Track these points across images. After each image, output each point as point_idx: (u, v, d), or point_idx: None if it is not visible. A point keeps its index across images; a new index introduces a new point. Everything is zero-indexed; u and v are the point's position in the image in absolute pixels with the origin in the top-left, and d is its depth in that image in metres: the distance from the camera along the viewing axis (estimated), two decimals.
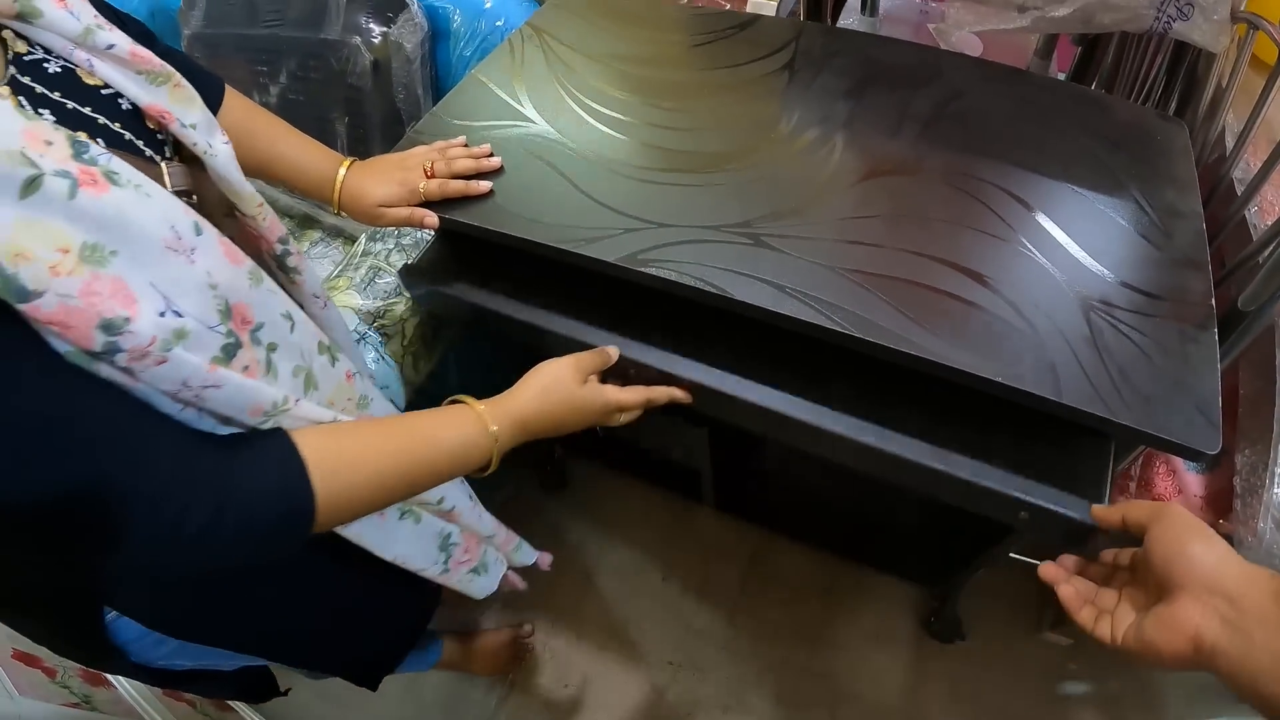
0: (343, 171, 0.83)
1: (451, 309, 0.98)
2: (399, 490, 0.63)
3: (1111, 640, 0.53)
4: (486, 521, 0.95)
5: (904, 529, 1.36)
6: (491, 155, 0.89)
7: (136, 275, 0.45)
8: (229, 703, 1.33)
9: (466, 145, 0.90)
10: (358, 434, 0.61)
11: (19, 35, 0.49)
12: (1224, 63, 0.92)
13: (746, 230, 0.82)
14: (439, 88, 1.24)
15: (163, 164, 0.57)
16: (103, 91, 0.53)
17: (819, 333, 0.75)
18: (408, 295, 1.11)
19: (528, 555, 1.09)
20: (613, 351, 0.83)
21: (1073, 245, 0.79)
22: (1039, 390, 0.69)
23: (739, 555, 1.49)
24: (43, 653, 1.07)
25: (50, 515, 0.44)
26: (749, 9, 1.14)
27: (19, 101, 0.47)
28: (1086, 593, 0.59)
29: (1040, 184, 0.85)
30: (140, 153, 0.55)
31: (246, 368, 0.53)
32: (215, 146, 0.60)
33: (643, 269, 0.79)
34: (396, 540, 0.82)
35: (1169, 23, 0.90)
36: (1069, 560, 0.65)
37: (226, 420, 0.53)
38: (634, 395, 0.80)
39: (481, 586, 1.01)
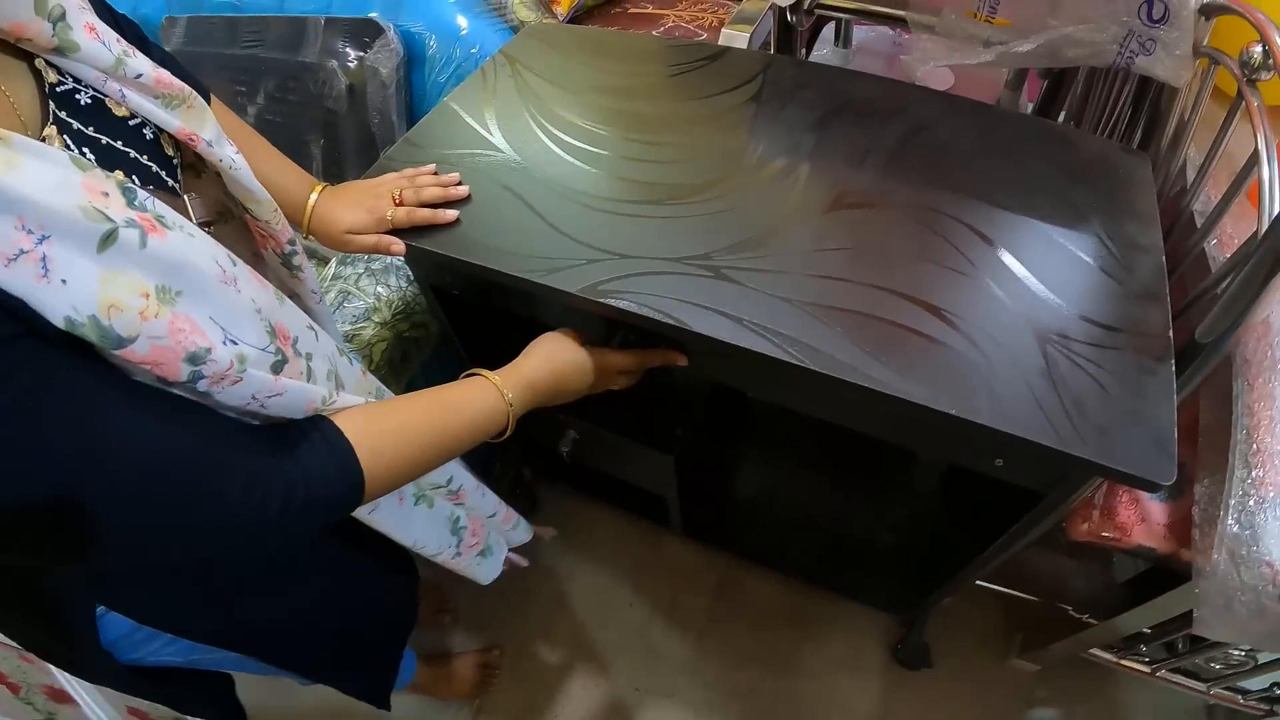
0: (314, 196, 0.82)
1: (455, 275, 0.95)
2: (432, 457, 0.65)
3: None
4: (489, 500, 0.97)
5: (870, 556, 1.32)
6: (460, 184, 0.87)
7: (198, 311, 0.46)
8: None
9: (436, 173, 0.88)
10: (391, 411, 0.63)
11: (49, 64, 0.48)
12: (1187, 97, 0.90)
13: (707, 263, 0.79)
14: (413, 112, 1.21)
15: (185, 197, 0.58)
16: (130, 123, 0.53)
17: (774, 365, 0.73)
18: (376, 321, 1.08)
19: (525, 532, 1.10)
20: None
21: (1031, 279, 0.77)
22: (991, 423, 0.67)
23: (707, 581, 1.45)
24: (9, 666, 1.03)
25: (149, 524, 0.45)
26: (721, 41, 1.12)
27: (65, 142, 0.47)
28: None
29: (1001, 218, 0.83)
30: (165, 185, 0.56)
31: (292, 377, 0.55)
32: (234, 159, 0.60)
33: (602, 299, 0.77)
34: (413, 525, 0.84)
35: (1132, 57, 0.88)
36: None
37: (277, 420, 0.55)
38: (632, 357, 0.83)
39: (487, 570, 1.02)
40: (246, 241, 0.70)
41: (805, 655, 1.35)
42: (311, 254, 1.21)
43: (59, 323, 0.38)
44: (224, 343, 0.47)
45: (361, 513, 0.76)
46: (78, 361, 0.40)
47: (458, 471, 0.88)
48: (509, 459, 1.44)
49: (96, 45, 0.49)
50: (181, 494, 0.45)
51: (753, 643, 1.38)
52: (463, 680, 1.34)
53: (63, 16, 0.47)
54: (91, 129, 0.50)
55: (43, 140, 0.45)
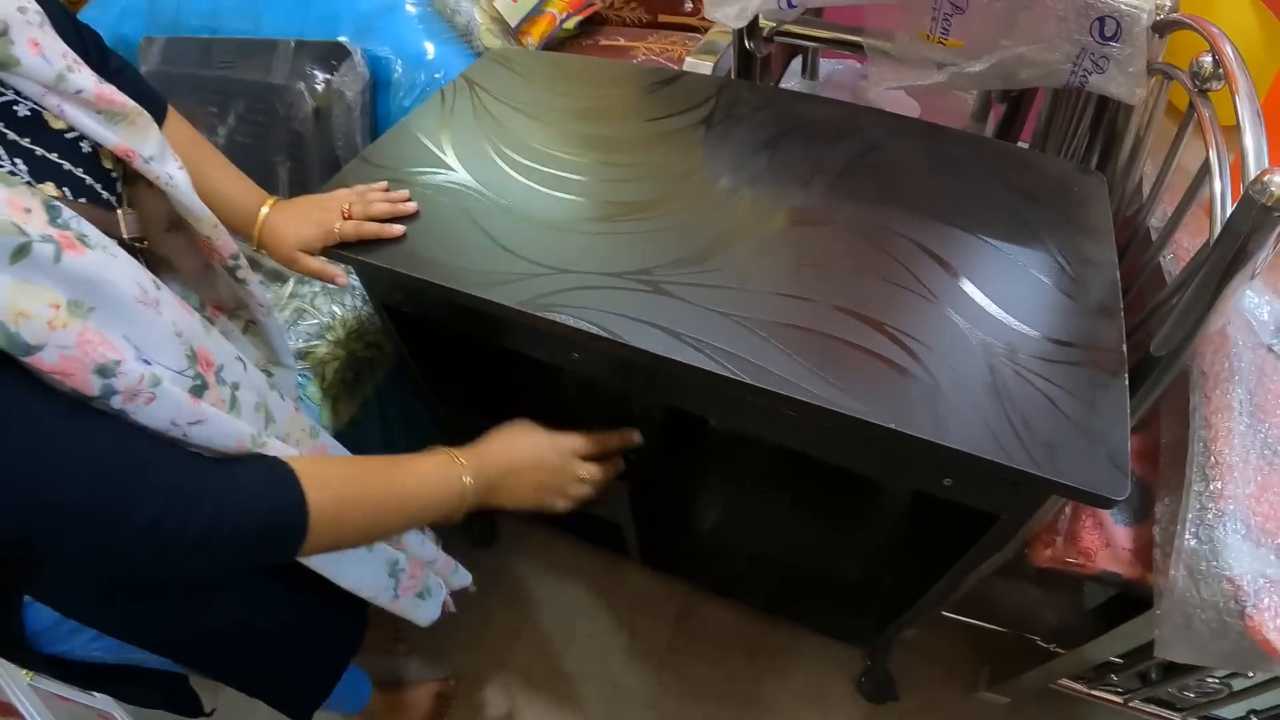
0: (265, 210, 0.80)
1: (405, 292, 0.90)
2: (385, 517, 0.63)
3: None
4: (428, 548, 0.91)
5: (830, 586, 1.25)
6: (409, 201, 0.84)
7: (111, 328, 0.45)
8: None
9: (388, 190, 0.85)
10: (341, 460, 0.63)
11: None
12: (1143, 114, 0.86)
13: (647, 278, 0.75)
14: (377, 135, 1.17)
15: (119, 212, 0.57)
16: (66, 135, 0.52)
17: (710, 380, 0.67)
18: (330, 339, 1.03)
19: (463, 577, 1.03)
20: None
21: (979, 294, 0.72)
22: (932, 438, 0.62)
23: (667, 611, 1.37)
24: None
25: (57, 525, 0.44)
26: (685, 68, 1.09)
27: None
28: None
29: (950, 234, 0.78)
30: (99, 198, 0.55)
31: (214, 406, 0.53)
32: (174, 175, 0.59)
33: (540, 313, 0.73)
34: (350, 567, 0.78)
35: (1085, 76, 0.85)
36: None
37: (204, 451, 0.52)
38: (591, 440, 0.80)
39: (426, 613, 0.95)
40: (197, 251, 0.68)
41: (767, 687, 1.27)
42: (276, 276, 1.17)
43: None
44: (136, 360, 0.46)
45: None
46: None
47: None
48: None
49: (38, 60, 0.48)
50: (88, 504, 0.44)
51: (713, 674, 1.29)
52: (417, 710, 1.25)
53: (4, 32, 0.46)
54: (27, 140, 0.49)
55: None
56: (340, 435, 1.00)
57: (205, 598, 0.73)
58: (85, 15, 1.26)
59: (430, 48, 1.13)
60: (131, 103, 0.55)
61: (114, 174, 0.57)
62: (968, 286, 0.73)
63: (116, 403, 0.45)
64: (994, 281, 0.73)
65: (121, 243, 0.51)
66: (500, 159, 0.91)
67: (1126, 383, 0.66)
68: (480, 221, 0.83)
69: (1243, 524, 0.63)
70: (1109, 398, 0.65)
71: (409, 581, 0.88)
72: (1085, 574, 0.93)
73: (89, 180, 0.54)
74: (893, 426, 0.62)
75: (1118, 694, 1.13)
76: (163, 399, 0.47)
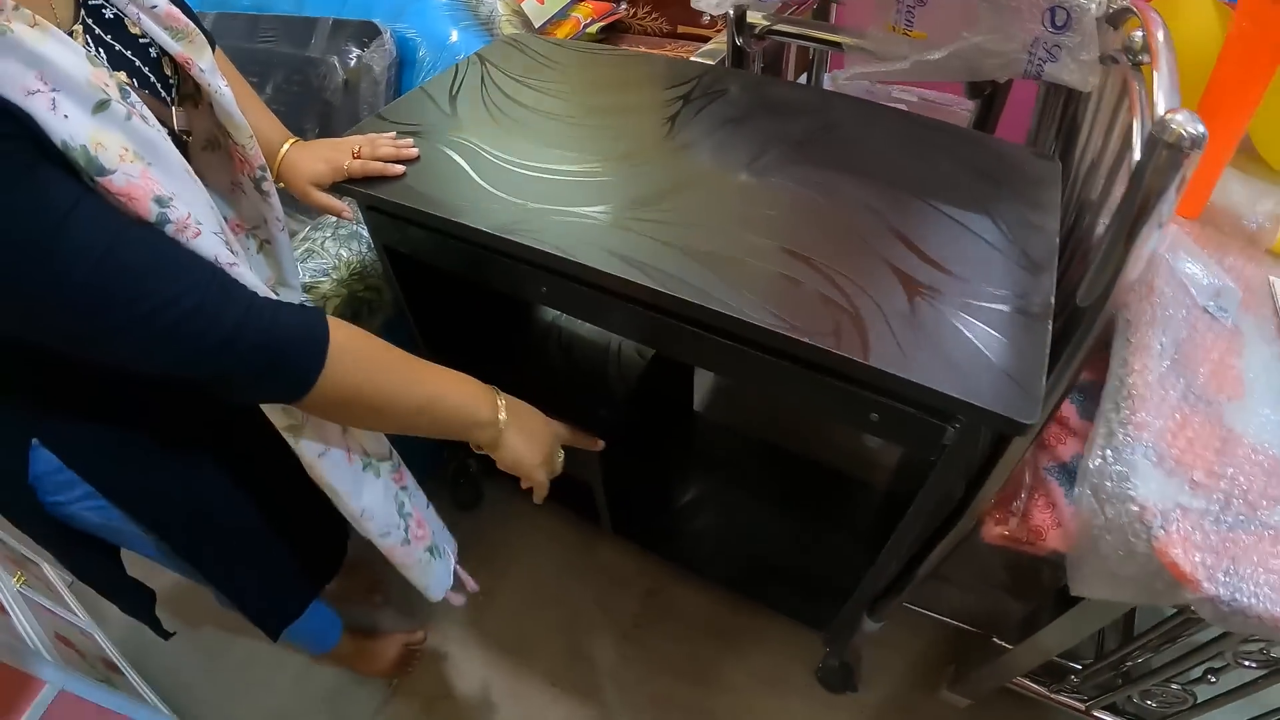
0: (286, 146, 0.89)
1: (401, 232, 0.96)
2: (401, 399, 0.67)
3: None
4: (421, 493, 0.96)
5: (793, 568, 1.25)
6: (413, 148, 0.91)
7: (164, 181, 0.53)
8: (116, 666, 1.24)
9: (395, 139, 0.93)
10: (380, 342, 0.66)
11: None
12: (1097, 101, 0.89)
13: (605, 213, 0.81)
14: None
15: (172, 107, 0.65)
16: (140, 40, 0.61)
17: (646, 294, 0.72)
18: (334, 278, 1.10)
19: (449, 540, 1.05)
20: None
21: (914, 244, 0.75)
22: (845, 352, 0.65)
23: (636, 587, 1.38)
24: None
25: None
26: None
27: (86, 41, 0.56)
28: None
29: (893, 195, 0.81)
30: (158, 94, 0.63)
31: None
32: (221, 89, 0.66)
33: (505, 235, 0.79)
34: (362, 490, 0.82)
35: (1041, 65, 0.88)
36: None
37: None
38: (573, 434, 0.91)
39: (438, 577, 0.98)
40: (229, 170, 0.75)
41: (726, 668, 1.26)
42: (292, 233, 1.25)
43: (57, 143, 0.46)
44: (182, 204, 0.53)
45: (310, 453, 0.75)
46: (69, 176, 0.47)
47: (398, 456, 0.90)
48: (455, 449, 1.42)
49: None
50: (139, 284, 0.50)
51: (675, 651, 1.29)
52: (384, 658, 1.27)
53: None
54: (109, 37, 0.58)
55: (70, 35, 0.51)
56: None
57: (208, 475, 0.79)
58: None
59: (454, 33, 1.23)
60: (192, 25, 0.65)
61: (172, 80, 0.66)
62: (904, 237, 0.76)
63: (170, 231, 0.52)
64: (931, 236, 0.76)
65: (171, 134, 0.60)
66: (495, 118, 0.98)
67: (1049, 327, 0.68)
68: (470, 167, 0.90)
69: (1155, 453, 0.63)
70: (1029, 337, 0.67)
71: (418, 530, 0.92)
72: (1035, 553, 0.92)
73: (152, 78, 0.63)
74: (810, 341, 0.66)
75: (1079, 700, 1.10)
76: (205, 239, 0.54)
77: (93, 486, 0.71)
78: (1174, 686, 0.98)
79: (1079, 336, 0.74)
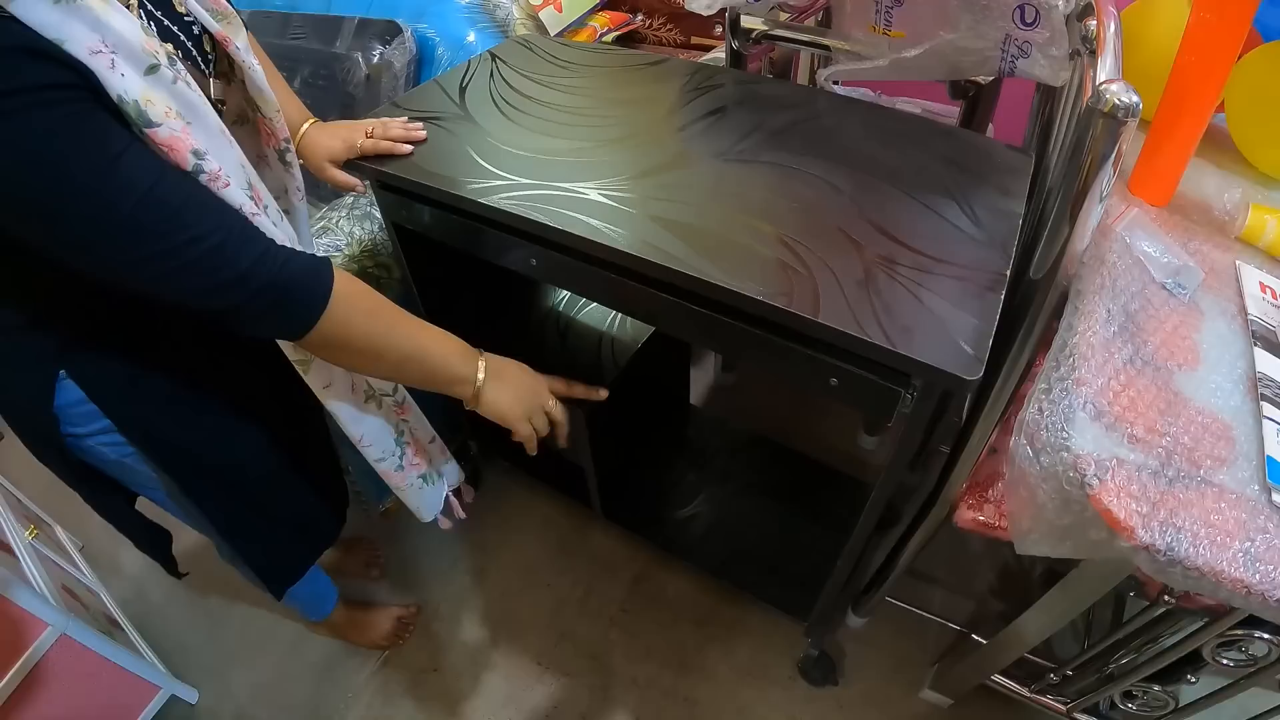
0: (306, 125, 0.97)
1: (408, 210, 1.03)
2: (392, 348, 0.76)
3: None
4: (428, 427, 1.03)
5: (778, 558, 1.27)
6: (421, 130, 0.99)
7: (202, 140, 0.61)
8: (118, 623, 1.31)
9: (406, 123, 1.00)
10: (377, 294, 0.75)
11: None
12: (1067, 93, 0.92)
13: (591, 186, 0.86)
14: None
15: (210, 79, 0.74)
16: (185, 17, 0.69)
17: (621, 258, 0.78)
18: (346, 254, 1.18)
19: (453, 475, 1.10)
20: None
21: (875, 219, 0.80)
22: (798, 310, 0.69)
23: (626, 573, 1.41)
24: None
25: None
26: None
27: (140, 14, 0.63)
28: None
29: (861, 179, 0.86)
30: (198, 66, 0.72)
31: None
32: (254, 65, 0.75)
33: (487, 200, 0.86)
34: (364, 420, 0.91)
35: (1013, 62, 0.92)
36: None
37: None
38: (564, 384, 0.97)
39: (430, 502, 1.05)
40: (256, 143, 0.83)
41: (709, 657, 1.28)
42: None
43: (113, 96, 0.54)
44: (215, 160, 0.62)
45: (318, 384, 0.84)
46: (121, 125, 0.56)
47: (404, 391, 0.98)
48: (457, 427, 1.48)
49: None
50: (174, 219, 0.58)
51: (660, 637, 1.31)
52: (377, 629, 1.32)
53: None
54: (159, 12, 0.66)
55: (126, 8, 0.60)
56: None
57: (224, 421, 0.86)
58: None
59: (471, 34, 1.32)
60: (230, 8, 0.73)
61: (210, 55, 0.74)
62: (866, 215, 0.80)
63: (203, 180, 0.61)
64: (893, 215, 0.80)
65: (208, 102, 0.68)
66: (499, 107, 1.05)
67: (1000, 297, 0.71)
68: (473, 149, 0.97)
69: (1094, 408, 0.65)
70: (981, 306, 0.70)
71: (414, 458, 1.00)
72: (1005, 537, 0.93)
73: (194, 52, 0.71)
74: (762, 299, 0.70)
75: (1061, 701, 1.09)
76: (234, 190, 0.63)
77: (111, 421, 0.77)
78: (1155, 688, 0.98)
79: (1034, 308, 0.78)
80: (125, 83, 0.55)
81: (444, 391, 0.83)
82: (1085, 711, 1.08)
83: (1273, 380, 0.71)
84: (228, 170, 0.63)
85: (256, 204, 0.67)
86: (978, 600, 1.35)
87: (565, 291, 1.37)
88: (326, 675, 1.32)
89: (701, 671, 1.27)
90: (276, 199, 0.88)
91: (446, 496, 1.09)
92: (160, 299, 0.61)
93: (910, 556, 1.11)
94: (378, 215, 1.23)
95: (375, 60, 1.30)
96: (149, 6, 0.65)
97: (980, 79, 1.12)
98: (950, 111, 1.51)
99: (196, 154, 0.60)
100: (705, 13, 1.05)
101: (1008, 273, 0.74)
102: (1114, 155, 0.64)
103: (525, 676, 1.28)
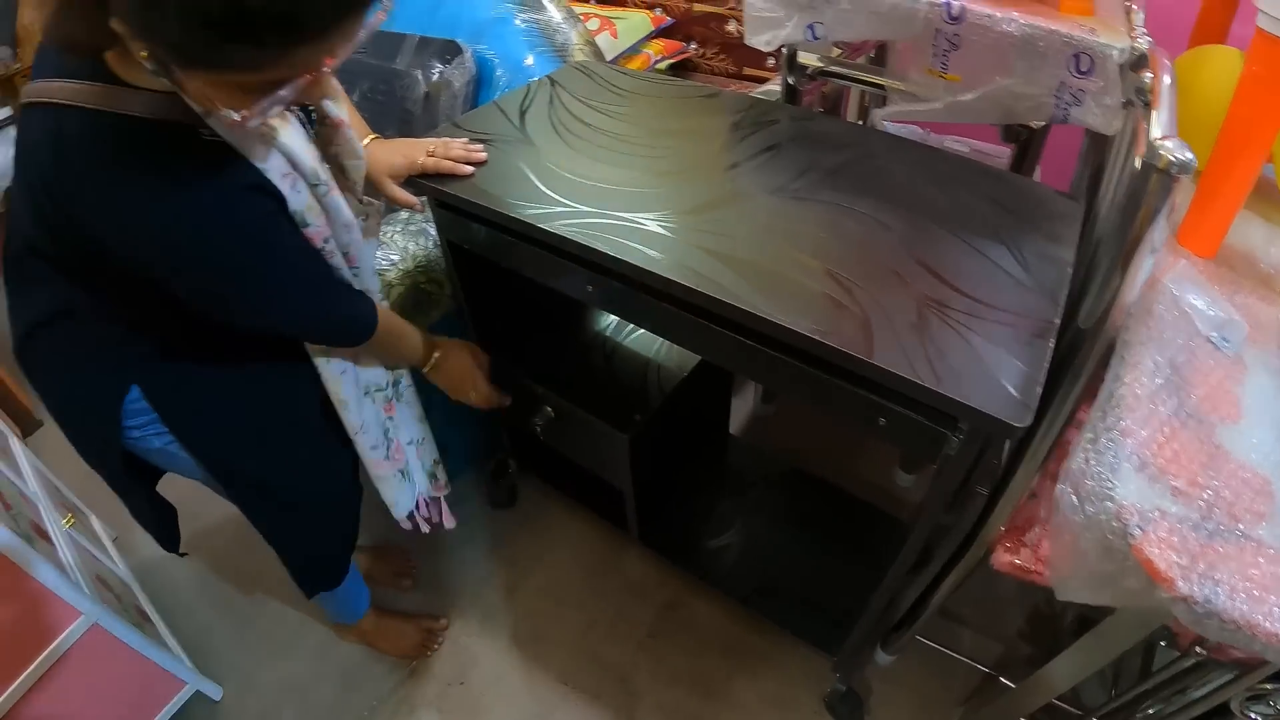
0: (367, 140, 1.04)
1: (464, 229, 1.10)
2: (392, 347, 1.04)
3: None
4: (414, 429, 1.21)
5: (810, 592, 1.31)
6: (483, 153, 1.05)
7: (331, 231, 0.85)
8: (148, 616, 1.37)
9: (468, 144, 1.07)
10: (393, 316, 1.03)
11: None
12: (1119, 142, 0.97)
13: (648, 217, 0.92)
14: None
15: (311, 131, 0.88)
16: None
17: (678, 290, 0.83)
18: (400, 269, 1.25)
19: (423, 484, 1.25)
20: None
21: (927, 261, 0.84)
22: (850, 349, 0.74)
23: (656, 599, 1.45)
24: (10, 492, 1.17)
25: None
26: None
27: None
28: None
29: (914, 220, 0.91)
30: (305, 126, 0.86)
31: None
32: (350, 136, 0.91)
33: (545, 226, 0.92)
34: (363, 409, 1.07)
35: (1066, 109, 0.96)
36: None
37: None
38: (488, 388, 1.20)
39: (403, 500, 1.21)
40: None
41: (735, 686, 1.32)
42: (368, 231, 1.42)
43: (292, 210, 0.77)
44: (325, 241, 0.84)
45: (334, 370, 1.00)
46: (296, 230, 0.80)
47: (399, 383, 1.17)
48: (498, 446, 1.54)
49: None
50: (323, 290, 0.86)
51: (687, 663, 1.35)
52: (405, 639, 1.38)
53: None
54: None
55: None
56: None
57: (280, 439, 0.98)
58: None
59: (529, 57, 1.39)
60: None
61: (313, 114, 0.88)
62: (920, 257, 0.85)
63: (324, 254, 0.85)
64: (946, 258, 0.85)
65: None
66: (559, 132, 1.12)
67: (1050, 345, 0.75)
68: (532, 173, 1.03)
69: (1138, 459, 0.69)
70: (1030, 352, 0.74)
71: (396, 454, 1.16)
72: (1042, 583, 0.97)
73: (301, 112, 0.85)
74: (817, 337, 0.75)
75: None
76: (335, 257, 0.87)
77: (173, 435, 0.89)
78: None
79: (1081, 357, 0.82)
80: (300, 198, 0.78)
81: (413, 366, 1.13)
82: None
83: None
84: (340, 246, 0.87)
85: (348, 267, 0.90)
86: (1006, 643, 1.37)
87: (613, 316, 1.43)
88: (352, 681, 1.37)
89: (727, 700, 1.30)
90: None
91: (418, 502, 1.24)
92: (257, 332, 0.85)
93: (943, 597, 1.14)
94: (432, 231, 1.30)
95: (435, 78, 1.38)
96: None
97: (1033, 123, 1.16)
98: (997, 150, 1.56)
99: (325, 240, 0.83)
100: (765, 49, 1.12)
101: (1057, 320, 0.79)
102: (1167, 210, 0.68)
103: (551, 695, 1.33)
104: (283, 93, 0.62)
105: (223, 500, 1.06)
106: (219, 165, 0.71)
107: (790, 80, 1.25)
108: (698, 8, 1.66)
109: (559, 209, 0.95)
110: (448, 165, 1.02)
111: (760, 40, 1.11)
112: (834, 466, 1.61)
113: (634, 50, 1.61)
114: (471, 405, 1.19)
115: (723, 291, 0.81)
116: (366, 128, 1.06)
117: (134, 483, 0.96)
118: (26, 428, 1.93)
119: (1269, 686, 0.78)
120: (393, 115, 1.42)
